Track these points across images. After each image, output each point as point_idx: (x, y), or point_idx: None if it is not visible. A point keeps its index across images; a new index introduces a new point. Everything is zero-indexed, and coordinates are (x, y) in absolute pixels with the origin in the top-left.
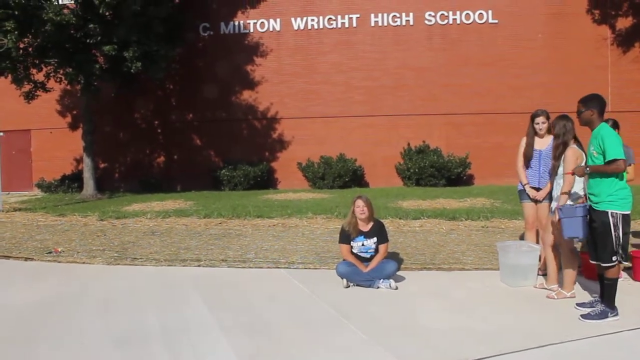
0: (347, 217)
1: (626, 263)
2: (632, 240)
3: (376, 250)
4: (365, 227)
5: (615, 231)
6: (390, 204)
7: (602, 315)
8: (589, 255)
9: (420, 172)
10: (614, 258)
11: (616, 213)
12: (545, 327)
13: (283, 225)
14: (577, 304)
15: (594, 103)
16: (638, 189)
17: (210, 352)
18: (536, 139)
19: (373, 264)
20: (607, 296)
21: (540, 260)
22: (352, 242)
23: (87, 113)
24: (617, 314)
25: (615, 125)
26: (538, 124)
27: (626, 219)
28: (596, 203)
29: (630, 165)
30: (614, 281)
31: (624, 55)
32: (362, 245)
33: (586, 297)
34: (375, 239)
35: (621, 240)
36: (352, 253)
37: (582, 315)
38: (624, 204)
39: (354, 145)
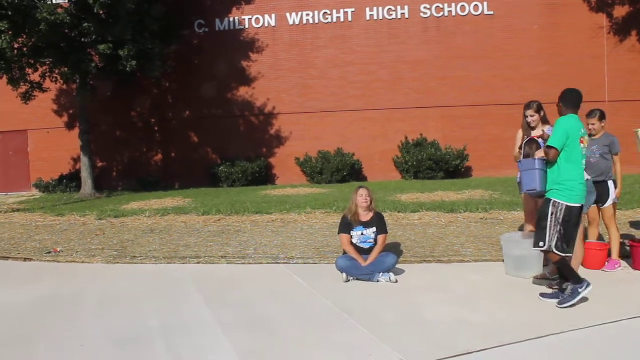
0: (349, 205)
1: (571, 255)
2: (630, 230)
3: (375, 242)
4: (366, 217)
5: (552, 220)
6: (389, 198)
7: (574, 295)
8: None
9: (418, 166)
10: (541, 244)
11: (559, 202)
12: (545, 318)
13: (282, 221)
14: (541, 294)
15: (562, 97)
16: (636, 179)
17: (211, 349)
18: (531, 131)
19: (372, 257)
20: (568, 276)
21: None
22: (351, 232)
23: (83, 112)
24: (587, 285)
25: (603, 117)
26: (527, 117)
27: (573, 211)
28: (547, 190)
29: (616, 154)
30: (562, 262)
31: (620, 44)
32: (362, 234)
33: None
34: (374, 229)
35: (562, 230)
36: (352, 244)
37: (558, 304)
38: (570, 195)
39: (352, 140)
